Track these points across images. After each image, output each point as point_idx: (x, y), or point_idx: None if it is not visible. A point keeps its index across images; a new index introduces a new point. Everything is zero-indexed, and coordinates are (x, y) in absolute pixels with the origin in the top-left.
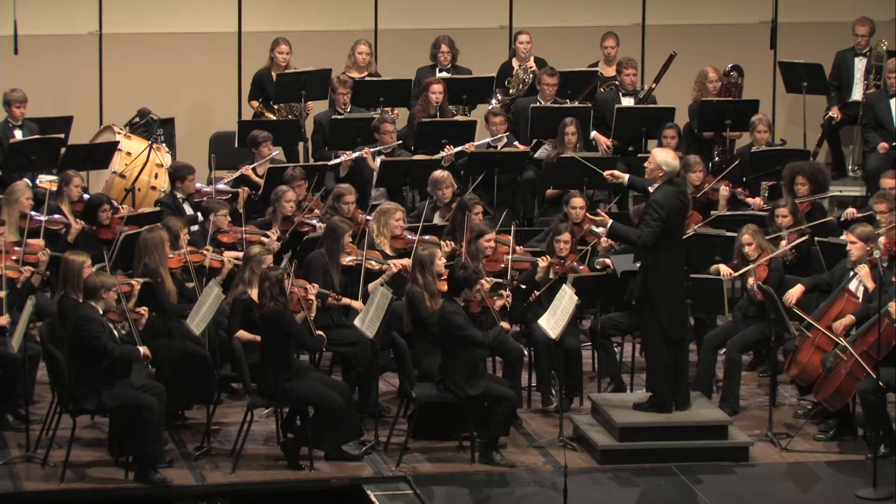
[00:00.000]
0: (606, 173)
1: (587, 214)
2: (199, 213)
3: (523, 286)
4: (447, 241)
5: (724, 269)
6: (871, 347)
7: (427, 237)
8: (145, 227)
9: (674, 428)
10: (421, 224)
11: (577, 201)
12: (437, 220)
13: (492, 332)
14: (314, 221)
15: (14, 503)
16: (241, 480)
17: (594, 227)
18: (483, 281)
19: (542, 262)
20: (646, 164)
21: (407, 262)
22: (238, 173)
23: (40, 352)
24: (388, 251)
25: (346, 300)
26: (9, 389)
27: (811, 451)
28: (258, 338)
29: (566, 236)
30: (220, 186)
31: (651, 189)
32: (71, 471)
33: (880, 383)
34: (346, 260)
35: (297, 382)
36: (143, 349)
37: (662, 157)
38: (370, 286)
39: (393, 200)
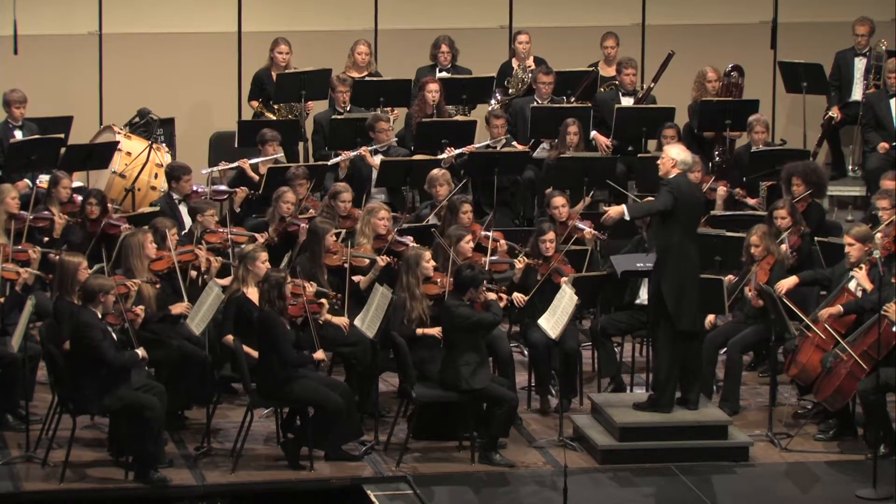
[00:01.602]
0: (602, 219)
1: (602, 219)
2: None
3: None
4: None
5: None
6: (871, 347)
7: (404, 238)
8: (127, 231)
9: (674, 428)
10: (403, 220)
11: (558, 200)
12: (432, 219)
13: (494, 309)
14: (301, 223)
15: (14, 503)
16: (241, 480)
17: (577, 223)
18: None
19: (519, 264)
20: (658, 162)
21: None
22: (236, 164)
23: (40, 352)
24: (367, 251)
25: (329, 316)
26: (9, 389)
27: (811, 451)
28: (254, 353)
29: (550, 235)
30: (220, 188)
31: None
32: (71, 471)
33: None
34: (333, 259)
35: (297, 382)
36: (140, 351)
37: (675, 151)
38: (362, 282)
39: (393, 200)
